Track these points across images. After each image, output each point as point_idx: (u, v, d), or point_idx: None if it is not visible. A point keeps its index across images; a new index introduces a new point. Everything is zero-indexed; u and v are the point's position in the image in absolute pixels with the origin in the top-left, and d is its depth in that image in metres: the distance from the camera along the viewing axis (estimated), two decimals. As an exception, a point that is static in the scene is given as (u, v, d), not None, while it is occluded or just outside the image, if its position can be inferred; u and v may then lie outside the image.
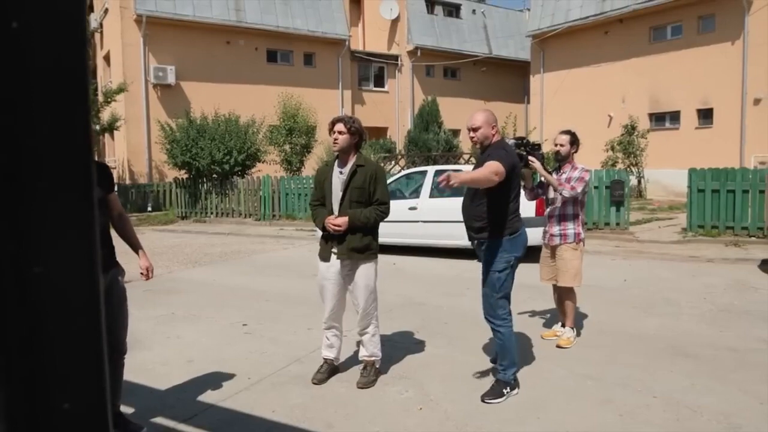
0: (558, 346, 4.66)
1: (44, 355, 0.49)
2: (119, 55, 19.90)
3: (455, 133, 24.32)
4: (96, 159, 3.11)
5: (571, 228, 4.68)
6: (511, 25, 28.30)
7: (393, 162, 17.69)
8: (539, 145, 4.69)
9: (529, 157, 4.45)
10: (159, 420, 3.53)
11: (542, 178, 4.73)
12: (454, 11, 27.57)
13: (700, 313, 5.80)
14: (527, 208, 8.98)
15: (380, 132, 25.20)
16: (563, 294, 4.84)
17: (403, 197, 10.04)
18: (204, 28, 20.38)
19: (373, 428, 3.40)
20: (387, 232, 9.49)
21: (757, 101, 16.83)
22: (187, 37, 20.09)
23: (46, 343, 0.49)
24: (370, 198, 3.86)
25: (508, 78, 27.21)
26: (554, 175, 4.71)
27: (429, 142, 21.30)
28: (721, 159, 14.40)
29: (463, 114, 21.70)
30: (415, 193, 9.99)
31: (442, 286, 7.41)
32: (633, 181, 16.83)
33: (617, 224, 11.27)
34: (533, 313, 5.96)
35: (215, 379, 4.16)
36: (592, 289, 6.99)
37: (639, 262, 8.89)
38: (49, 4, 0.47)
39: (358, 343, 4.27)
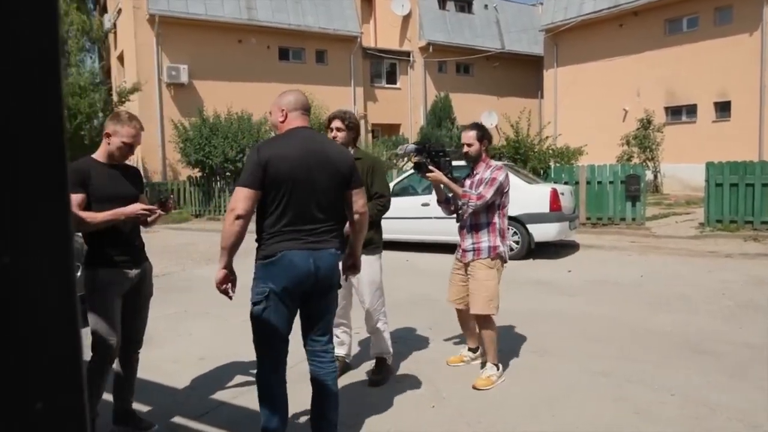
0: (474, 387, 3.82)
1: (16, 350, 0.47)
2: (133, 55, 20.05)
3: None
4: (129, 163, 3.19)
5: (485, 240, 3.87)
6: (523, 20, 28.07)
7: (406, 159, 17.60)
8: (444, 152, 4.00)
9: (429, 167, 3.85)
10: (170, 418, 3.54)
11: (447, 191, 4.00)
12: (466, 6, 27.39)
13: (718, 309, 5.70)
14: (541, 201, 9.01)
15: (393, 129, 25.14)
16: (478, 324, 3.99)
17: (416, 194, 10.01)
18: (216, 26, 20.46)
19: (385, 426, 3.38)
20: (400, 228, 9.52)
21: (776, 93, 16.53)
22: (200, 36, 20.18)
23: (17, 338, 0.47)
24: (368, 191, 3.79)
25: (522, 73, 27.01)
26: (467, 180, 4.02)
27: (442, 138, 21.23)
28: (739, 152, 14.15)
29: (476, 110, 21.76)
30: (428, 190, 9.81)
31: (455, 283, 7.35)
32: (649, 175, 16.63)
33: (633, 219, 11.14)
34: (535, 311, 5.89)
35: (226, 377, 4.17)
36: (607, 285, 6.92)
37: (655, 257, 8.78)
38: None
39: (369, 340, 4.24)
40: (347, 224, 2.95)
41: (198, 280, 7.80)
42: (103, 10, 25.66)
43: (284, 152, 2.68)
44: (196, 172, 17.24)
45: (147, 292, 3.27)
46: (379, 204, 3.81)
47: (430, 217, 9.46)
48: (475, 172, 4.01)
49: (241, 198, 2.61)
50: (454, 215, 4.11)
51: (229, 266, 2.72)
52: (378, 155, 17.25)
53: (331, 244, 2.78)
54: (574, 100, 21.35)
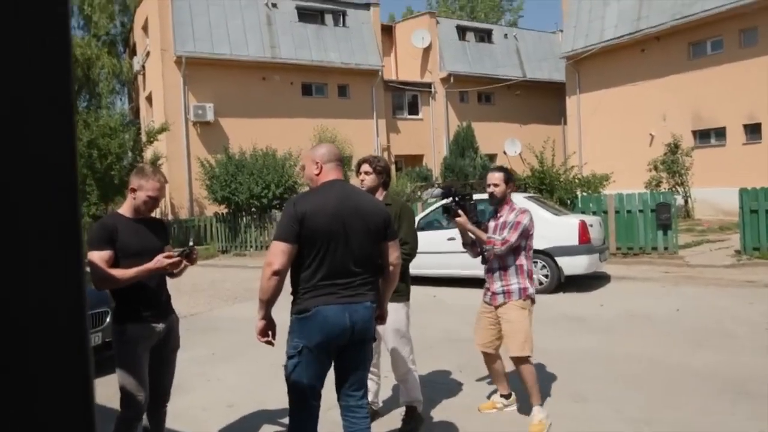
0: None
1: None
2: (161, 96, 20.58)
3: (491, 157, 24.12)
4: (156, 216, 3.26)
5: (514, 282, 3.87)
6: (544, 48, 28.16)
7: (430, 191, 17.59)
8: (470, 195, 4.05)
9: (457, 211, 3.87)
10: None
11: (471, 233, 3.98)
12: (486, 36, 27.61)
13: (762, 346, 5.46)
14: (569, 233, 8.86)
15: (416, 160, 25.22)
16: (517, 367, 3.91)
17: (441, 227, 9.93)
18: (241, 65, 20.95)
19: (417, 480, 3.27)
20: (426, 263, 9.40)
21: (808, 114, 16.15)
22: (225, 75, 20.67)
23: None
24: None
25: (544, 100, 26.99)
26: (491, 222, 4.00)
27: (465, 168, 21.23)
28: (772, 176, 13.80)
29: (499, 139, 21.79)
30: (454, 224, 9.81)
31: (484, 320, 7.21)
32: (679, 200, 16.29)
33: (665, 249, 10.88)
34: (568, 351, 5.71)
35: (255, 426, 4.10)
36: (642, 320, 6.71)
37: (690, 288, 8.51)
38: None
39: (398, 386, 4.14)
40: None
41: (226, 320, 7.79)
42: (133, 52, 26.54)
43: (320, 206, 2.69)
44: (223, 209, 17.45)
45: (174, 345, 3.26)
46: (404, 252, 3.75)
47: (457, 252, 9.28)
48: (499, 215, 4.00)
49: (277, 252, 2.63)
50: (480, 257, 4.10)
51: (267, 317, 2.79)
52: (402, 187, 17.29)
53: (366, 297, 2.77)
54: (599, 126, 21.18)
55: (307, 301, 2.66)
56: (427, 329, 6.34)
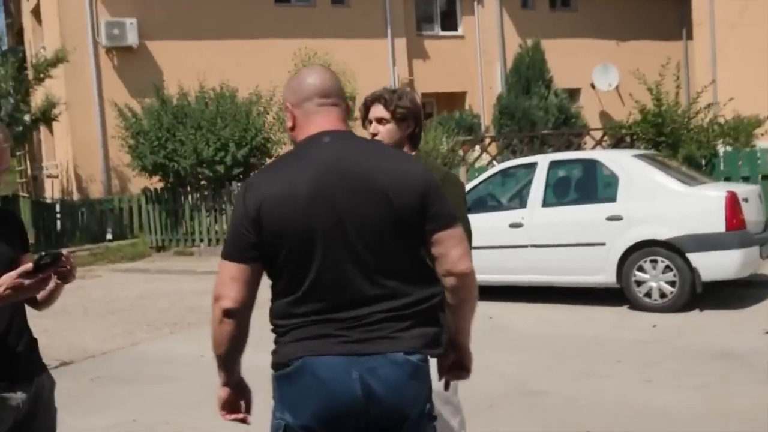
0: None
1: None
2: (54, 7, 20.40)
3: (573, 94, 23.66)
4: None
5: None
6: None
7: (478, 149, 17.22)
8: None
9: None
10: None
11: None
12: None
13: None
14: (709, 214, 8.52)
15: (455, 100, 25.00)
16: None
17: (499, 207, 9.83)
18: (179, -42, 20.72)
19: None
20: (476, 265, 9.08)
21: None
22: (154, -25, 20.43)
23: None
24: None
25: (655, 2, 26.47)
26: None
27: (532, 111, 20.80)
28: None
29: (585, 64, 21.32)
30: (518, 200, 9.76)
31: (574, 358, 6.98)
32: None
33: None
34: (726, 415, 5.30)
35: None
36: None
37: None
38: None
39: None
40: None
41: (157, 361, 7.59)
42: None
43: (288, 186, 2.38)
44: (156, 182, 17.44)
45: (44, 425, 2.98)
46: None
47: (524, 246, 9.26)
48: None
49: (226, 280, 2.40)
50: None
51: (232, 382, 2.58)
52: (434, 143, 16.87)
53: (398, 342, 2.34)
54: (743, 46, 20.62)
55: (286, 347, 2.40)
56: (479, 374, 5.97)
